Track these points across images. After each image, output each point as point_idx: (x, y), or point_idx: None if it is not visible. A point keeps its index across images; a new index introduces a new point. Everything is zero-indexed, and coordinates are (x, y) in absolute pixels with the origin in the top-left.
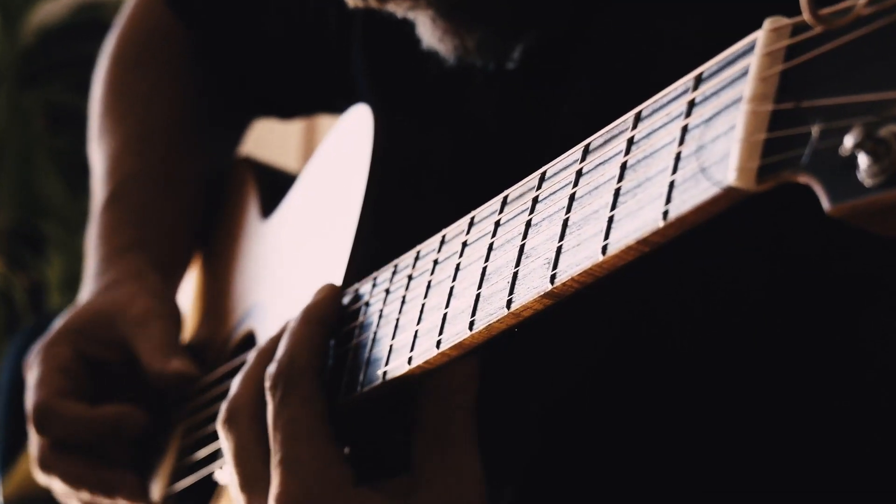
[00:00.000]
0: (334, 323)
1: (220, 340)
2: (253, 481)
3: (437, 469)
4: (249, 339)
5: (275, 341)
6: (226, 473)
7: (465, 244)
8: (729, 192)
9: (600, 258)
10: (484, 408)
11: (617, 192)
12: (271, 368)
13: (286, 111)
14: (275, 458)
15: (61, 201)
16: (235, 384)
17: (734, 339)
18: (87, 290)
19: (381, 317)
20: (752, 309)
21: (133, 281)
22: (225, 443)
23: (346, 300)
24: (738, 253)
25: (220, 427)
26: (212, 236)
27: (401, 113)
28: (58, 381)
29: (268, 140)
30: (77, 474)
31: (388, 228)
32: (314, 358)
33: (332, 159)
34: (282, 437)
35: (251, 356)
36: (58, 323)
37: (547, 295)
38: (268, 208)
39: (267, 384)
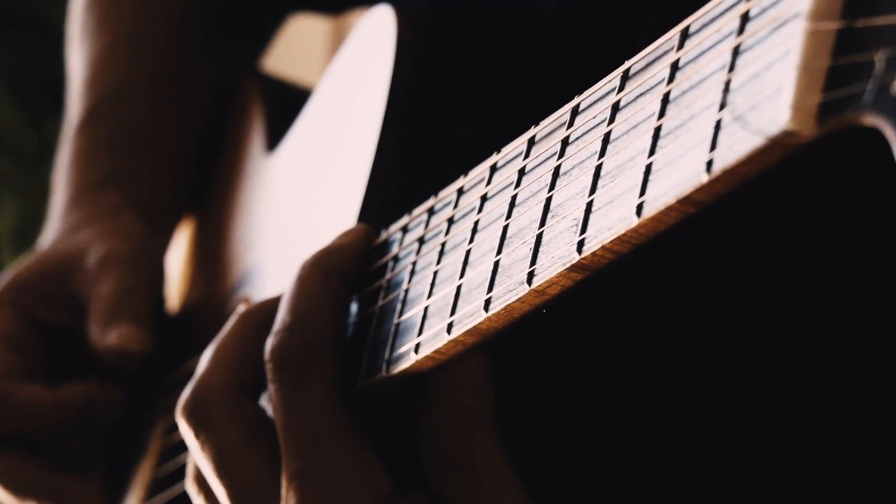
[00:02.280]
0: (358, 278)
1: (214, 311)
2: (251, 498)
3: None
4: None
5: (270, 303)
6: (191, 487)
7: (485, 196)
8: (783, 138)
9: (635, 221)
10: (545, 413)
11: (657, 133)
12: (275, 341)
13: (333, 2)
14: (290, 467)
15: (13, 128)
16: (204, 362)
17: (833, 334)
18: (49, 234)
19: (413, 272)
20: (849, 302)
21: (102, 221)
22: (193, 443)
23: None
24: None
25: (181, 419)
26: (213, 175)
27: (441, 14)
28: (1, 356)
29: (286, 51)
30: (23, 478)
31: (416, 164)
32: (335, 326)
33: (346, 75)
34: (300, 437)
35: (230, 322)
36: (1, 279)
37: (575, 267)
38: (275, 139)
39: (269, 364)
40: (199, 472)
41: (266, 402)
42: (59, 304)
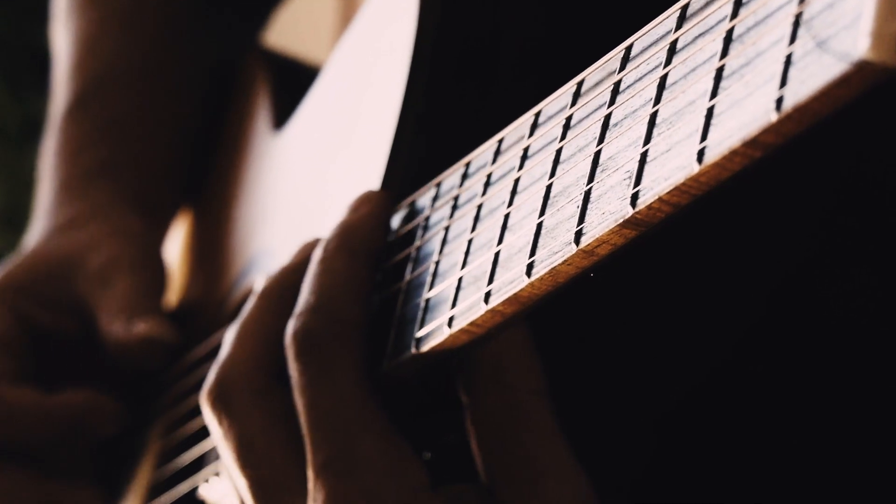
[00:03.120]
0: (382, 251)
1: (217, 302)
2: (275, 492)
3: (518, 483)
4: None
5: (289, 276)
6: (218, 483)
7: (526, 153)
8: (861, 69)
9: (696, 168)
10: (588, 411)
11: (719, 73)
12: (298, 323)
13: None
14: (317, 457)
15: None
16: (228, 344)
17: (890, 333)
18: (38, 230)
19: (444, 242)
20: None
21: (99, 219)
22: (217, 431)
23: (396, 219)
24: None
25: (206, 406)
26: (213, 159)
27: None
28: None
29: (294, 25)
30: (16, 490)
31: (441, 136)
32: (363, 306)
33: (363, 42)
34: (327, 425)
35: (251, 300)
36: None
37: (628, 223)
38: (283, 117)
39: (291, 347)
40: None
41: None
42: (59, 308)
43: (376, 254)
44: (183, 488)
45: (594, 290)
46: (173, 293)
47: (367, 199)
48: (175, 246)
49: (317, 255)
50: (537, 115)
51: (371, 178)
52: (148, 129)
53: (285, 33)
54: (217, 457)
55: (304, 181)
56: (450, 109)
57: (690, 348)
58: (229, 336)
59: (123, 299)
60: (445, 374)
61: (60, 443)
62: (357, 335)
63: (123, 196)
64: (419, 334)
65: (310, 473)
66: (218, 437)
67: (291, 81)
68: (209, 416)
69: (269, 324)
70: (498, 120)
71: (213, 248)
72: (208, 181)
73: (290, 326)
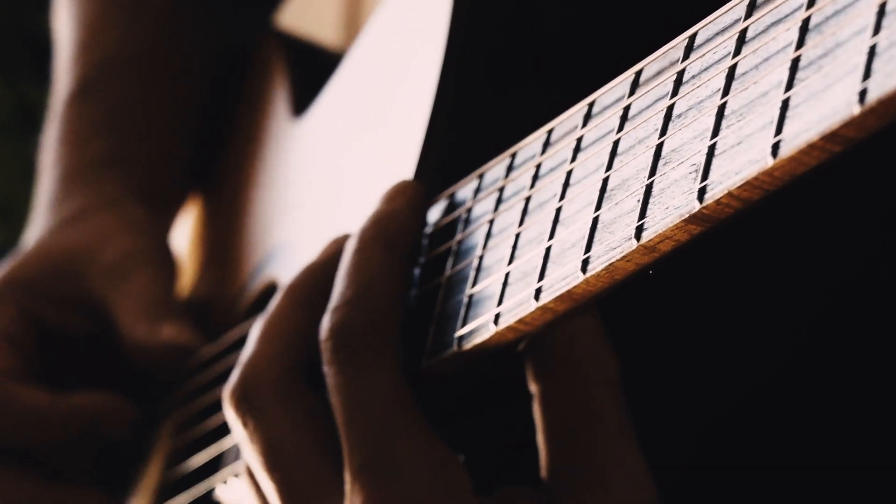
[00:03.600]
0: (419, 245)
1: (230, 297)
2: (308, 495)
3: (579, 480)
4: (271, 294)
5: (318, 271)
6: (237, 485)
7: (579, 144)
8: None
9: (769, 162)
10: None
11: (795, 64)
12: (335, 318)
13: None
14: (355, 459)
15: None
16: (253, 341)
17: None
18: (40, 224)
19: (489, 236)
20: None
21: (107, 211)
22: (241, 434)
23: (435, 212)
24: None
25: (229, 407)
26: (224, 148)
27: None
28: (1, 355)
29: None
30: (20, 495)
31: (479, 123)
32: (401, 301)
33: (393, 24)
34: (366, 426)
35: (278, 295)
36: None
37: (694, 218)
38: (302, 103)
39: (328, 343)
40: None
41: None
42: (69, 305)
43: (413, 247)
44: (199, 489)
45: (641, 290)
46: (184, 283)
47: (402, 190)
48: (183, 237)
49: (351, 246)
50: (591, 105)
51: (402, 170)
52: (154, 117)
53: (292, 15)
54: (237, 457)
55: (327, 171)
56: (484, 102)
57: (741, 353)
58: (254, 333)
59: (145, 298)
60: (485, 372)
61: (70, 448)
62: (396, 332)
63: (129, 187)
64: (462, 332)
65: (347, 476)
66: (242, 440)
67: (309, 66)
68: (232, 418)
69: (297, 320)
70: (541, 110)
71: (226, 240)
72: (221, 169)
73: (326, 322)
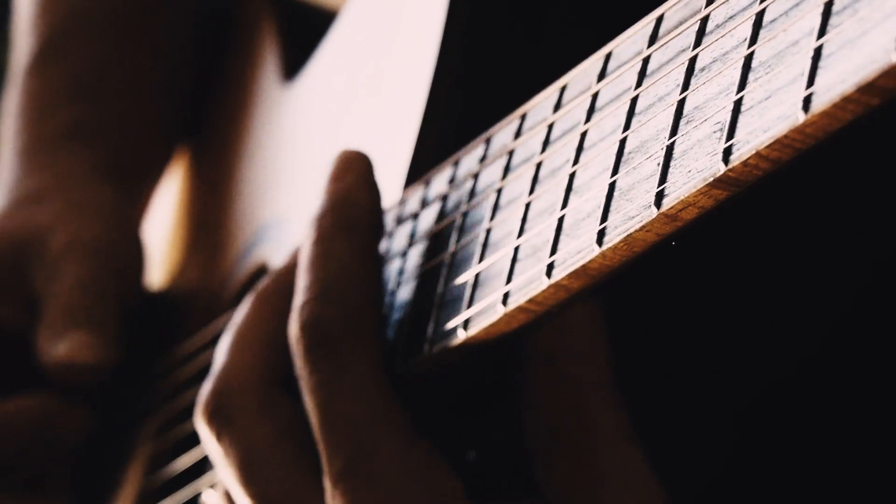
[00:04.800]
0: (379, 221)
1: (217, 279)
2: None
3: (577, 489)
4: (261, 277)
5: (287, 275)
6: (215, 496)
7: (594, 102)
8: None
9: (801, 118)
10: (662, 406)
11: (828, 8)
12: (303, 314)
13: None
14: (334, 464)
15: None
16: (223, 352)
17: None
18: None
19: (496, 207)
20: None
21: (65, 193)
22: (215, 448)
23: (439, 182)
24: None
25: (200, 422)
26: (209, 115)
27: None
28: None
29: None
30: None
31: (483, 89)
32: (373, 291)
33: None
34: (344, 427)
35: (246, 302)
36: None
37: (720, 182)
38: (293, 66)
39: (299, 342)
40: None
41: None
42: (14, 300)
43: (375, 226)
44: (184, 494)
45: (668, 271)
46: (164, 268)
47: (348, 165)
48: (164, 212)
49: (309, 237)
50: (607, 58)
51: (402, 138)
52: (125, 83)
53: None
54: None
55: (322, 140)
56: (492, 62)
57: (775, 340)
58: (224, 343)
59: (62, 302)
60: (483, 367)
61: (23, 454)
62: (371, 323)
63: (96, 163)
64: (468, 314)
65: (326, 483)
66: (216, 456)
67: (300, 26)
68: (205, 432)
69: (268, 327)
70: (549, 72)
71: (214, 215)
72: (207, 137)
73: (295, 320)
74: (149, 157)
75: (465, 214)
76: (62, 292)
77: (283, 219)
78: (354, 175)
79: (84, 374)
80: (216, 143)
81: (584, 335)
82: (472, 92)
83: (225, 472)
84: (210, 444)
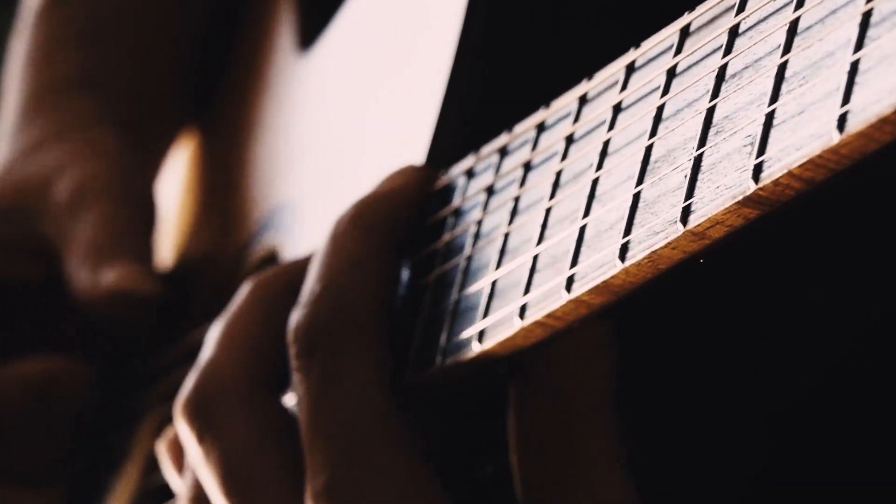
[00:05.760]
0: (410, 234)
1: (232, 255)
2: None
3: None
4: (271, 264)
5: (294, 267)
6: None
7: (619, 105)
8: None
9: (835, 138)
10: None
11: (866, 19)
12: (301, 315)
13: None
14: (316, 481)
15: None
16: (211, 345)
17: None
18: (1, 152)
19: (514, 212)
20: None
21: (69, 138)
22: (195, 451)
23: (458, 181)
24: None
25: (181, 420)
26: (224, 81)
27: None
28: None
29: None
30: None
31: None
32: (382, 297)
33: None
34: (331, 441)
35: (242, 292)
36: None
37: (749, 201)
38: (310, 34)
39: (293, 345)
40: (200, 492)
41: (291, 398)
42: (19, 252)
43: (401, 232)
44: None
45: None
46: (171, 244)
47: (398, 173)
48: (174, 185)
49: (328, 230)
50: (632, 62)
51: (423, 118)
52: (142, 32)
53: None
54: None
55: (340, 118)
56: (516, 52)
57: (809, 341)
58: (213, 335)
59: (93, 237)
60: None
61: (23, 424)
62: (372, 332)
63: (106, 112)
64: (483, 324)
65: (307, 499)
66: (196, 457)
67: None
68: (186, 432)
69: (262, 321)
70: (567, 62)
71: (226, 190)
72: (219, 107)
73: (293, 319)
74: (161, 113)
75: (480, 220)
76: (89, 229)
77: (296, 202)
78: (399, 183)
79: (136, 307)
80: (229, 115)
81: (586, 347)
82: (493, 76)
83: (205, 477)
84: (191, 445)
